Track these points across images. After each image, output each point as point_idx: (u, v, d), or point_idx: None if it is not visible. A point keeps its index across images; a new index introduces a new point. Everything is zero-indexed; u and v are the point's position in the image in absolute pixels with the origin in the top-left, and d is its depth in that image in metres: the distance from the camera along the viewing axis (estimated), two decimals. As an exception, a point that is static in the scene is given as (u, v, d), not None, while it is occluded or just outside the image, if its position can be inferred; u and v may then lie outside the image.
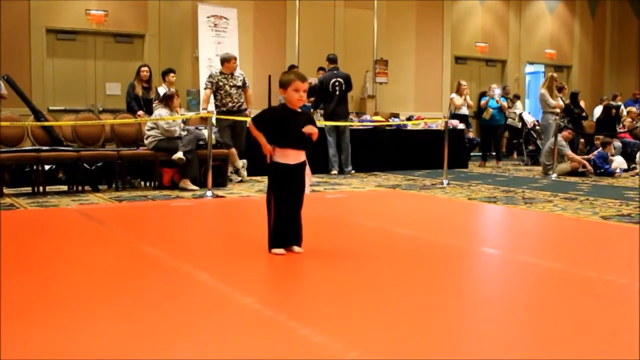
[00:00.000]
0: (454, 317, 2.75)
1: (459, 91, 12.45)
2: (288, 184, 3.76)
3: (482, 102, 12.32)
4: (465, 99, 12.34)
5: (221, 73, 8.48)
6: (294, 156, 3.76)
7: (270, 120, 3.82)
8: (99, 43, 11.47)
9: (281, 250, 3.74)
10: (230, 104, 8.42)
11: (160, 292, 3.10)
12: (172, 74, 9.49)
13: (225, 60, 8.50)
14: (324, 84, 9.82)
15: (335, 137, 9.80)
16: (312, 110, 9.69)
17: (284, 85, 3.77)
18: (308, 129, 3.74)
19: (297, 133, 3.72)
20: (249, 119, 9.13)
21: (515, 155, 14.10)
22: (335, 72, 9.95)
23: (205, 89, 8.64)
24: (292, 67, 11.40)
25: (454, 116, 12.05)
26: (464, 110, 12.31)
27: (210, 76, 8.58)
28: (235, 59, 8.71)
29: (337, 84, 9.78)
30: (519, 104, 14.22)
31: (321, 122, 10.00)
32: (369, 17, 13.60)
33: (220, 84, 8.42)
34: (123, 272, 3.52)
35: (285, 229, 3.77)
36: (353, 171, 9.80)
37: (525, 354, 2.32)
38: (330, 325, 2.60)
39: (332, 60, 10.12)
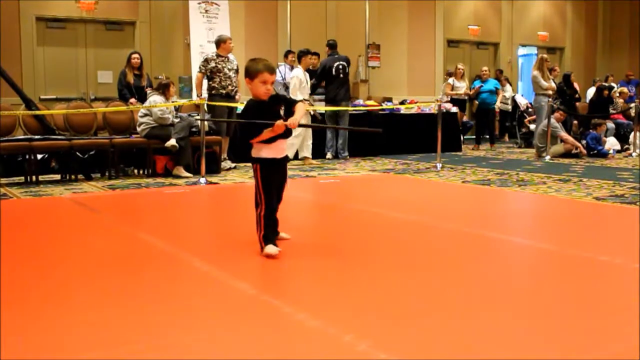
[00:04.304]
0: (447, 299, 2.76)
1: (455, 75, 12.42)
2: (275, 180, 3.57)
3: (472, 90, 12.31)
4: (464, 82, 12.37)
5: (218, 56, 8.28)
6: (280, 147, 3.56)
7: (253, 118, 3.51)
8: (89, 31, 11.38)
9: (276, 250, 3.48)
10: (230, 87, 8.22)
11: (155, 279, 3.10)
12: (310, 56, 9.47)
13: (222, 42, 8.30)
14: (327, 67, 9.79)
15: (334, 122, 9.77)
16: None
17: (250, 75, 3.49)
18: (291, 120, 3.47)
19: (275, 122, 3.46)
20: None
21: (506, 138, 14.10)
22: (336, 56, 9.94)
23: (198, 72, 8.41)
24: (288, 52, 11.31)
25: (451, 100, 12.03)
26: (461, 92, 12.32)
27: (205, 60, 8.33)
28: (231, 39, 8.56)
29: (340, 67, 9.78)
30: (508, 87, 14.19)
31: (321, 108, 9.98)
32: (361, 1, 13.52)
33: (219, 66, 8.21)
34: (118, 259, 3.52)
35: (273, 225, 3.59)
36: (348, 156, 9.79)
37: (522, 335, 2.33)
38: (325, 310, 2.60)
39: (332, 46, 10.13)
